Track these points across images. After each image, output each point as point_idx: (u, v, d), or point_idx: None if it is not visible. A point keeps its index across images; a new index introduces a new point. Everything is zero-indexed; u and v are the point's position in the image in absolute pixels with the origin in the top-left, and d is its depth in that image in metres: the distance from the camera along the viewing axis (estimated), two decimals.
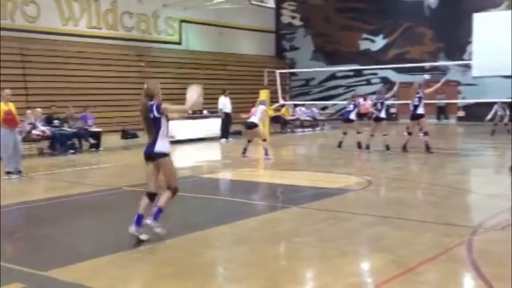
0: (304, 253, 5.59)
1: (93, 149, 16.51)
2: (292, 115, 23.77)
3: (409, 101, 14.25)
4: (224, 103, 19.44)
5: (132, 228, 5.87)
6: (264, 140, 13.64)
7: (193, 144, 17.99)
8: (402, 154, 13.80)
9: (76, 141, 16.49)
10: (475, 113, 24.94)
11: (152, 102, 6.03)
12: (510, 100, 19.48)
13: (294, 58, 32.40)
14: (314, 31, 32.11)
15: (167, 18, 25.96)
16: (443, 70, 26.30)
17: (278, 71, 19.64)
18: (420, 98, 13.84)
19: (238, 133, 19.83)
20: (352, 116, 15.30)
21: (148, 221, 5.94)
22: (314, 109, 25.31)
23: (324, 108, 28.14)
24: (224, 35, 28.60)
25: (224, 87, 21.26)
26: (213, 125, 19.66)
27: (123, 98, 21.37)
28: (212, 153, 16.78)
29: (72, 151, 15.77)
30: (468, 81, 26.76)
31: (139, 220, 5.90)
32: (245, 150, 13.68)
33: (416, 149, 14.00)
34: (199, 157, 15.49)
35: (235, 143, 17.40)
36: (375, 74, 29.42)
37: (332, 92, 30.60)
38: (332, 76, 30.62)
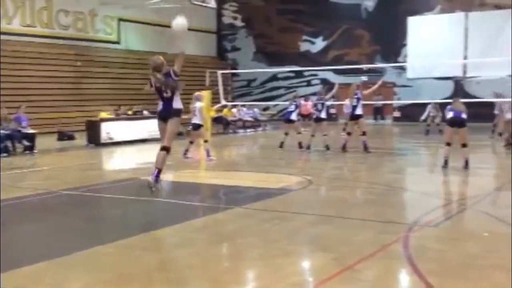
0: (247, 254, 5.62)
1: (28, 152, 15.94)
2: (234, 116, 23.81)
3: (348, 102, 14.59)
4: None
5: (152, 181, 7.19)
6: (206, 141, 13.60)
7: (133, 146, 17.68)
8: (342, 154, 14.11)
9: (9, 143, 15.85)
10: (410, 113, 25.83)
11: (165, 71, 7.38)
12: (442, 101, 20.27)
13: (236, 58, 32.51)
14: (255, 32, 32.32)
15: (105, 17, 25.46)
16: (380, 72, 27.08)
17: (220, 72, 19.63)
18: (358, 99, 14.19)
19: (180, 134, 19.64)
20: (293, 116, 15.49)
21: (150, 178, 7.14)
22: (256, 110, 25.46)
23: (265, 108, 28.37)
24: (164, 34, 28.30)
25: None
26: (155, 126, 19.33)
27: (59, 98, 20.81)
28: (153, 154, 16.51)
29: (5, 154, 15.16)
30: (403, 82, 27.68)
31: (158, 173, 7.14)
32: (186, 151, 13.60)
33: (355, 149, 14.34)
34: (140, 158, 15.25)
35: (177, 144, 17.18)
36: (315, 75, 29.94)
37: (274, 93, 30.90)
38: (274, 77, 30.93)
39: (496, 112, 18.23)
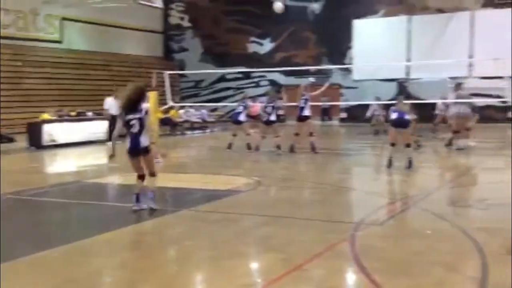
0: (196, 256, 5.57)
1: None
2: (181, 117, 23.61)
3: (296, 103, 14.72)
4: (111, 105, 18.77)
5: (135, 206, 7.24)
6: (153, 143, 13.37)
7: (77, 148, 17.20)
8: (290, 155, 14.21)
9: None
10: (356, 114, 26.36)
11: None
12: (386, 102, 20.73)
13: (183, 59, 32.25)
14: (202, 33, 32.17)
15: (47, 16, 24.74)
16: (327, 74, 27.49)
17: (167, 73, 19.37)
18: (306, 100, 14.34)
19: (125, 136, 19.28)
20: (242, 117, 15.50)
21: (151, 205, 7.33)
22: (204, 111, 25.33)
23: (214, 110, 28.27)
24: (109, 34, 27.78)
25: (109, 88, 20.63)
26: (99, 128, 18.91)
27: None
28: (98, 156, 16.17)
29: None
30: (349, 84, 28.19)
31: (138, 198, 7.28)
32: None
33: (303, 150, 14.49)
34: (84, 161, 14.90)
35: (123, 146, 16.90)
36: (264, 76, 30.09)
37: (222, 94, 30.84)
38: (222, 78, 30.88)
39: (436, 112, 18.79)
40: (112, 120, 18.61)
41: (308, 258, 5.29)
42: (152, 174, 7.56)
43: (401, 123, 11.10)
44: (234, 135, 15.42)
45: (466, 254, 5.38)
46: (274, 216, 7.25)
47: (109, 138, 18.46)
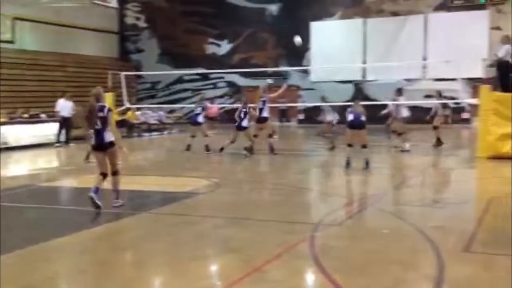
0: (154, 260, 5.49)
1: None
2: (139, 119, 23.30)
3: (255, 105, 14.72)
4: (63, 106, 18.32)
5: (92, 194, 7.39)
6: (120, 147, 12.94)
7: (29, 151, 16.74)
8: (249, 157, 14.17)
9: None
10: (314, 115, 26.57)
11: (101, 104, 7.69)
12: (343, 103, 20.95)
13: (140, 60, 31.84)
14: (159, 34, 31.84)
15: None
16: (285, 75, 27.65)
17: (123, 73, 19.09)
18: (264, 102, 14.37)
19: (82, 138, 18.89)
20: (200, 119, 15.40)
21: (115, 203, 7.66)
22: (161, 113, 25.06)
23: (171, 111, 28.00)
24: (63, 34, 27.16)
25: (64, 89, 20.18)
26: (52, 130, 18.44)
27: None
28: (50, 159, 15.80)
29: None
30: (307, 85, 28.40)
31: (97, 190, 7.47)
32: (88, 155, 13.04)
33: (262, 151, 14.50)
34: (36, 164, 14.52)
35: (78, 149, 16.56)
36: (222, 78, 30.02)
37: (180, 95, 30.59)
38: (179, 80, 30.62)
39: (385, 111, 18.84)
40: (63, 122, 18.21)
41: (268, 259, 5.29)
42: (115, 173, 7.79)
43: (357, 125, 11.26)
44: (193, 136, 15.31)
45: (422, 252, 5.48)
46: (233, 217, 7.23)
47: (58, 140, 18.05)
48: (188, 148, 15.09)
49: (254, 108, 14.85)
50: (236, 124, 14.51)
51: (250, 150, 14.20)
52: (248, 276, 4.86)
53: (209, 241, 6.20)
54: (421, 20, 26.22)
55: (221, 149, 14.66)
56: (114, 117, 17.36)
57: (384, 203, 8.10)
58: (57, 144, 17.80)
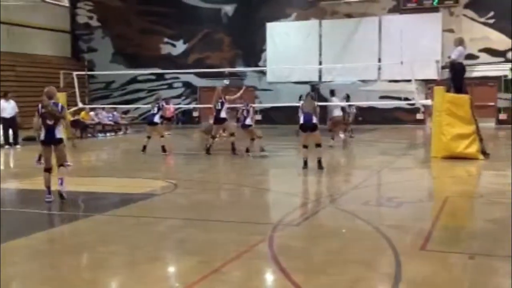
0: (110, 262, 5.34)
1: None
2: (92, 119, 22.80)
3: (211, 105, 14.64)
4: (3, 107, 17.66)
5: (48, 198, 8.04)
6: (74, 146, 12.41)
7: None
8: (207, 157, 14.07)
9: None
10: (271, 116, 26.68)
11: (54, 101, 8.16)
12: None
13: (92, 59, 31.20)
14: (113, 33, 31.27)
15: None
16: (241, 76, 27.63)
17: (75, 73, 18.65)
18: (222, 103, 14.32)
19: (33, 139, 18.30)
20: (156, 119, 15.18)
21: (59, 188, 8.14)
22: (116, 113, 24.60)
23: (126, 112, 27.54)
24: (13, 33, 26.35)
25: (14, 89, 19.53)
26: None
27: None
28: None
29: None
30: (264, 86, 28.46)
31: (49, 191, 8.12)
32: (40, 157, 12.60)
33: (222, 151, 14.39)
34: None
35: (27, 150, 16.04)
36: (177, 78, 29.73)
37: (134, 96, 30.13)
38: (134, 80, 30.16)
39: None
40: (5, 122, 17.59)
41: (227, 261, 5.23)
42: (62, 165, 8.28)
43: (309, 127, 11.31)
44: (148, 137, 15.06)
45: (381, 251, 5.52)
46: (191, 219, 7.14)
47: (7, 142, 17.40)
48: (144, 149, 14.84)
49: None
50: (240, 122, 14.45)
51: (233, 150, 14.29)
52: (207, 278, 4.80)
53: (166, 243, 6.09)
54: (376, 22, 26.64)
55: (208, 150, 14.45)
56: (68, 117, 16.94)
57: (342, 203, 8.15)
58: (7, 146, 17.21)
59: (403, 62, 16.71)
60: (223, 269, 5.03)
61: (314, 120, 11.33)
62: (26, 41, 27.13)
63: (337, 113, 16.72)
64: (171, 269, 5.33)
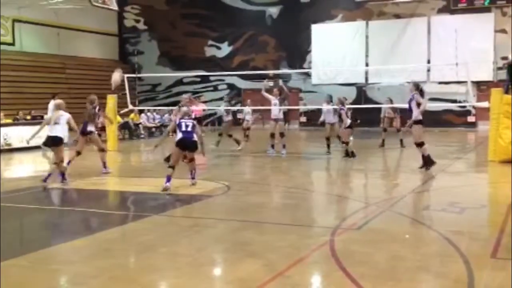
0: (172, 263, 5.32)
1: None
2: (142, 121, 23.15)
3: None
4: (52, 108, 18.00)
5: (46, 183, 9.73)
6: (102, 150, 11.85)
7: (32, 152, 16.50)
8: (253, 158, 14.02)
9: None
10: (316, 118, 26.38)
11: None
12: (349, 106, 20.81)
13: (139, 62, 31.66)
14: (159, 36, 31.69)
15: None
16: (285, 78, 27.51)
17: (126, 75, 18.87)
18: (283, 100, 14.70)
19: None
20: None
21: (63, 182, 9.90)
22: (166, 115, 24.84)
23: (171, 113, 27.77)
24: (64, 36, 27.00)
25: (64, 91, 19.95)
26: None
27: None
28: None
29: None
30: (308, 88, 28.26)
31: (47, 177, 9.99)
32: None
33: (261, 154, 14.34)
34: (41, 165, 14.29)
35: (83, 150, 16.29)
36: (222, 80, 29.87)
37: (179, 98, 30.36)
38: (179, 82, 30.46)
39: (382, 116, 18.13)
40: None
41: (290, 264, 5.14)
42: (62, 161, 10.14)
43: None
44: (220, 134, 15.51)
45: (449, 258, 5.31)
46: (247, 221, 7.07)
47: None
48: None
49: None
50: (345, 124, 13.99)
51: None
52: (273, 281, 4.71)
53: (226, 245, 6.02)
54: (425, 22, 26.08)
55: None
56: (117, 119, 17.20)
57: (401, 207, 7.93)
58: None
59: (458, 64, 16.26)
60: (287, 273, 4.94)
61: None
62: (75, 43, 27.75)
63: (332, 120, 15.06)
64: (235, 272, 5.24)
